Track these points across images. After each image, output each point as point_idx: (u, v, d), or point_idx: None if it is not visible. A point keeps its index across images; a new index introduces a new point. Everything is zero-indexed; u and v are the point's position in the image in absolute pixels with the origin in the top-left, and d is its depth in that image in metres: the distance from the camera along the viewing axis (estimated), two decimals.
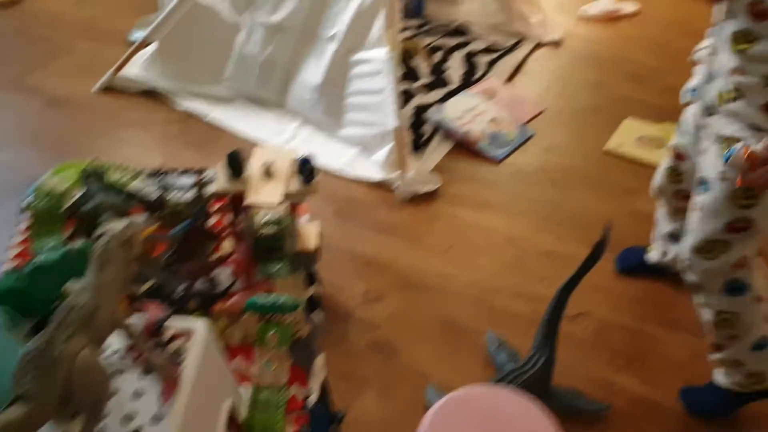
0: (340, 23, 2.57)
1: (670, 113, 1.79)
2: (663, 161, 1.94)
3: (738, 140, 1.49)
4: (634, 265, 2.20)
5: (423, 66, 3.12)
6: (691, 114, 1.75)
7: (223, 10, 2.76)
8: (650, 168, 1.97)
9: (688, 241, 1.66)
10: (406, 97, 2.87)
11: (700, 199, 1.62)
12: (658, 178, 1.97)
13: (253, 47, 2.70)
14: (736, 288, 1.66)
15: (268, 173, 1.88)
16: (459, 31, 3.41)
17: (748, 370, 1.73)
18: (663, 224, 2.06)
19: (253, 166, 1.90)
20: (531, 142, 2.76)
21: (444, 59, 3.19)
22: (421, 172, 2.48)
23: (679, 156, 1.86)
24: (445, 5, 3.61)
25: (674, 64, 1.71)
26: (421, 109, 2.82)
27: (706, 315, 1.73)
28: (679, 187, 1.89)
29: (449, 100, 2.89)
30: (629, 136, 2.76)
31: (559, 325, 1.71)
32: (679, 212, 1.96)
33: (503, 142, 2.73)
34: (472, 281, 2.15)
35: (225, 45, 2.75)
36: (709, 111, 1.59)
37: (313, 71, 2.60)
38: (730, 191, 1.54)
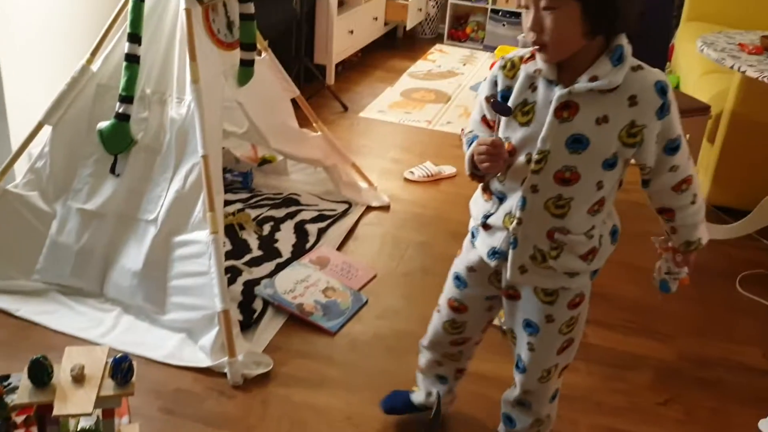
0: (160, 206, 2.51)
1: None
2: (435, 316, 1.97)
3: (563, 289, 1.69)
4: (398, 407, 2.21)
5: (252, 239, 3.11)
6: (469, 272, 1.84)
7: (34, 198, 2.63)
8: None
9: (531, 377, 1.82)
10: (235, 274, 2.82)
11: (531, 340, 1.77)
12: (434, 331, 1.98)
13: (68, 236, 2.56)
14: (556, 395, 1.93)
15: (78, 378, 1.74)
16: (289, 200, 3.47)
17: None
18: (430, 370, 2.09)
19: (62, 372, 1.76)
20: (365, 309, 2.77)
21: (274, 230, 3.21)
22: (251, 353, 2.38)
23: (458, 308, 1.90)
24: (273, 177, 3.68)
25: None
26: (251, 285, 2.77)
27: (525, 421, 1.92)
28: (458, 336, 1.95)
29: (280, 272, 2.87)
30: None
31: None
32: (447, 356, 2.03)
33: (337, 312, 2.72)
34: None
35: (36, 235, 2.59)
36: (522, 269, 1.69)
37: (133, 256, 2.50)
38: (558, 327, 1.74)
